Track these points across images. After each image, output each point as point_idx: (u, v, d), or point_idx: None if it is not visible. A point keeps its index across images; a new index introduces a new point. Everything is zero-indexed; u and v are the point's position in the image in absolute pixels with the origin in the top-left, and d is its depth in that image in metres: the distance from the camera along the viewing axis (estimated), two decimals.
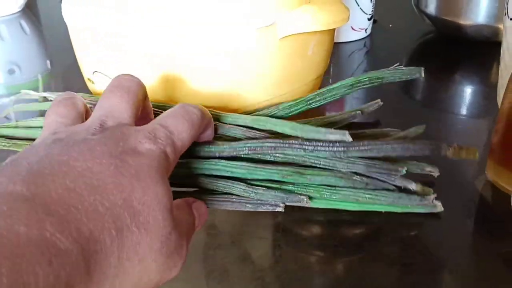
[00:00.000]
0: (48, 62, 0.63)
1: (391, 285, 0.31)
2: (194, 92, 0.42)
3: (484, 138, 0.44)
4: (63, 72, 0.60)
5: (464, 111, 0.51)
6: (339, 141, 0.33)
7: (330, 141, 0.33)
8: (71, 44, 0.67)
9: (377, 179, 0.34)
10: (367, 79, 0.40)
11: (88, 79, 0.45)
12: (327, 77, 0.56)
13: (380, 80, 0.41)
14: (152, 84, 0.42)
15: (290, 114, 0.40)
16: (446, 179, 0.36)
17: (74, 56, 0.63)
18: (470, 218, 0.36)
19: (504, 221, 0.35)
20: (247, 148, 0.34)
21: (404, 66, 0.41)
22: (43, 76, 0.59)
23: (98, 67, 0.43)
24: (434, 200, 0.34)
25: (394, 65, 0.41)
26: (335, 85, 0.40)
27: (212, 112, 0.36)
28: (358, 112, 0.41)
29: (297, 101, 0.40)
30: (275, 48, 0.40)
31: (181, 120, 0.28)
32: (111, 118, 0.27)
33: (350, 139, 0.32)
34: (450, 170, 0.40)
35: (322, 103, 0.40)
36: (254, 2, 0.38)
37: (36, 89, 0.56)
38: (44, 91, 0.53)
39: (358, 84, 0.40)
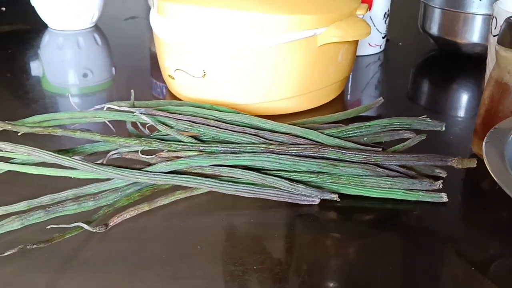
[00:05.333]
0: (113, 69, 0.72)
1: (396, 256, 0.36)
2: (255, 90, 0.52)
3: None
4: (126, 77, 0.69)
5: (459, 113, 0.60)
6: (371, 150, 0.41)
7: (364, 150, 0.41)
8: (130, 55, 0.80)
9: (395, 170, 0.40)
10: (398, 123, 0.44)
11: (169, 75, 0.55)
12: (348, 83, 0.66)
13: (409, 125, 0.44)
14: (216, 85, 0.52)
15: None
16: (441, 153, 0.41)
17: (134, 64, 0.73)
18: (458, 189, 0.42)
19: (487, 191, 0.43)
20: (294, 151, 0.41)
21: (429, 118, 0.45)
22: (109, 81, 0.67)
23: (179, 66, 0.53)
24: (441, 194, 0.39)
25: (423, 116, 0.45)
26: (372, 123, 0.45)
27: (268, 123, 0.44)
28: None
29: (339, 130, 0.45)
30: (315, 54, 0.52)
31: None
32: None
33: (381, 156, 0.40)
34: (443, 147, 0.49)
35: (358, 134, 0.45)
36: (301, 20, 0.49)
37: (104, 91, 0.65)
38: (113, 96, 0.62)
39: (390, 126, 0.45)
